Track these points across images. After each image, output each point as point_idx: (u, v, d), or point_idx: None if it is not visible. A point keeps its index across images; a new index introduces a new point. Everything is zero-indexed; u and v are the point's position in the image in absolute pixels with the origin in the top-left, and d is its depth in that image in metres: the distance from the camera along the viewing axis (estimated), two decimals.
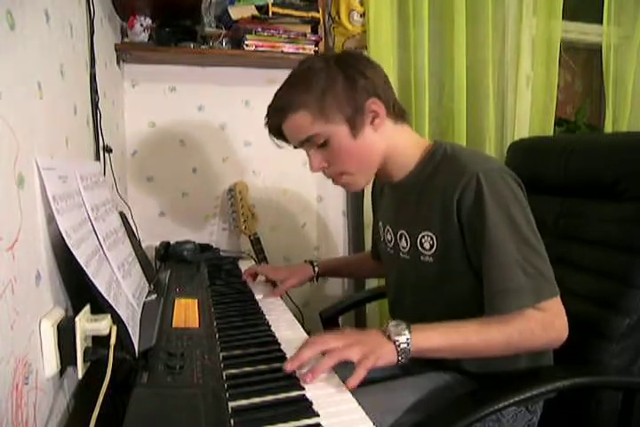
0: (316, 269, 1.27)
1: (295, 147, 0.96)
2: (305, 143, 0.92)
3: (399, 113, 0.94)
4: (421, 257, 0.93)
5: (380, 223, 1.10)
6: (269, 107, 0.95)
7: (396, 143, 0.94)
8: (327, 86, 0.86)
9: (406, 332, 0.77)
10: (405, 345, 0.76)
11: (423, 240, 0.92)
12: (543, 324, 0.81)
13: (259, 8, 1.61)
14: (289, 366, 0.73)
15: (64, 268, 0.71)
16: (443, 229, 0.88)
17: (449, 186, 0.86)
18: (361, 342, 0.76)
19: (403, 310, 1.06)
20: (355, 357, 0.73)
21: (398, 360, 0.76)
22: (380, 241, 1.12)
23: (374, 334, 0.79)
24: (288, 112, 0.89)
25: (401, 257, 0.99)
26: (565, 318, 0.82)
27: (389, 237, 1.04)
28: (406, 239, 0.97)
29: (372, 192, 1.23)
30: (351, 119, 0.88)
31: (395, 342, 0.76)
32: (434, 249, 0.91)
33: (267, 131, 0.98)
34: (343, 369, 0.74)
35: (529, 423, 0.94)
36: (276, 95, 0.94)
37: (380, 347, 0.76)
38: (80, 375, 0.65)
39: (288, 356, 0.79)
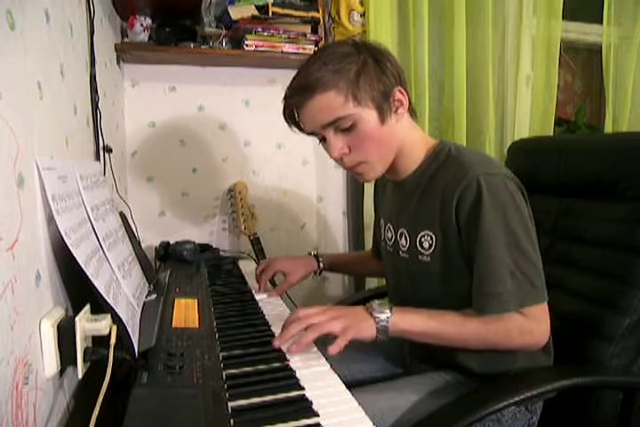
0: (321, 264, 1.25)
1: (309, 133, 0.92)
2: (327, 127, 0.87)
3: (413, 109, 0.95)
4: (420, 256, 0.93)
5: (382, 221, 1.10)
6: (291, 86, 0.90)
7: (409, 138, 0.94)
8: (360, 69, 0.85)
9: (387, 311, 0.81)
10: (385, 323, 0.80)
11: (422, 240, 0.93)
12: (522, 329, 0.83)
13: (259, 8, 1.61)
14: (277, 344, 0.79)
15: (64, 268, 0.71)
16: (442, 229, 0.89)
17: (449, 187, 0.86)
18: (343, 316, 0.81)
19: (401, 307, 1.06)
20: (336, 329, 0.78)
21: (377, 337, 0.80)
22: (380, 239, 1.12)
23: (357, 310, 0.84)
24: (317, 91, 0.84)
25: (400, 255, 0.99)
26: (547, 326, 0.84)
27: (390, 235, 1.04)
28: (406, 238, 0.97)
29: (375, 189, 1.23)
30: (380, 105, 0.87)
31: (375, 319, 0.81)
32: (432, 249, 0.91)
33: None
34: (341, 367, 0.75)
35: (529, 423, 0.94)
36: (300, 74, 0.89)
37: (361, 321, 0.81)
38: (80, 375, 0.65)
39: (288, 356, 0.79)
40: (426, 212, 0.92)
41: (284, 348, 0.81)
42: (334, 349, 0.76)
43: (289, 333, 0.80)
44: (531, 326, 0.83)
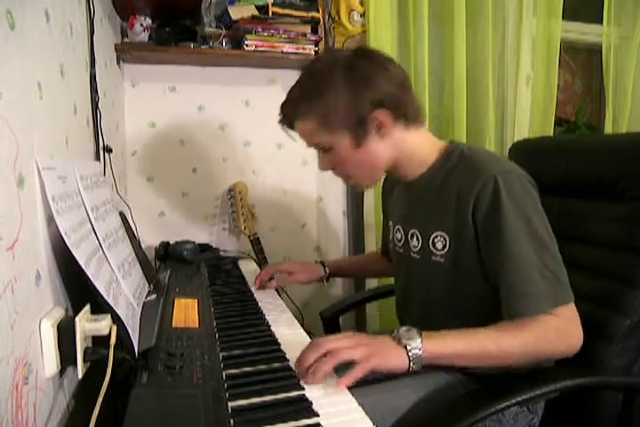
0: (327, 270, 1.28)
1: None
2: (313, 146, 0.95)
3: (414, 116, 0.92)
4: (432, 257, 0.93)
5: (390, 222, 1.10)
6: (281, 107, 0.95)
7: (407, 147, 0.93)
8: (332, 100, 0.86)
9: (418, 337, 0.74)
10: (417, 351, 0.73)
11: (436, 240, 0.92)
12: (558, 330, 0.80)
13: (259, 8, 1.61)
14: (301, 376, 0.72)
15: (64, 268, 0.71)
16: (456, 230, 0.88)
17: (465, 187, 0.86)
18: (367, 344, 0.74)
19: (410, 309, 1.05)
20: (357, 356, 0.71)
21: (411, 367, 0.74)
22: (389, 240, 1.12)
23: (384, 339, 0.77)
24: (295, 119, 0.92)
25: (411, 256, 0.99)
26: (580, 326, 0.81)
27: (399, 236, 1.04)
28: (418, 238, 0.97)
29: (383, 191, 1.23)
30: (354, 131, 0.89)
31: (405, 347, 0.73)
32: (446, 249, 0.91)
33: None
34: (341, 367, 0.74)
35: (530, 423, 0.94)
36: (287, 98, 0.94)
37: (388, 350, 0.74)
38: (80, 375, 0.65)
39: (288, 356, 0.79)
40: (439, 212, 0.91)
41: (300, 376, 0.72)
42: (346, 381, 0.69)
43: (306, 361, 0.71)
44: (566, 327, 0.80)
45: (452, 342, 0.77)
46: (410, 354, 0.73)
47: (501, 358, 0.80)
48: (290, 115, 0.93)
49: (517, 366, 0.83)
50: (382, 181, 1.23)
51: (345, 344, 0.73)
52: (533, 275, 0.80)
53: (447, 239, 0.90)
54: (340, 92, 0.86)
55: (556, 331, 0.80)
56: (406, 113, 0.90)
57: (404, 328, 0.77)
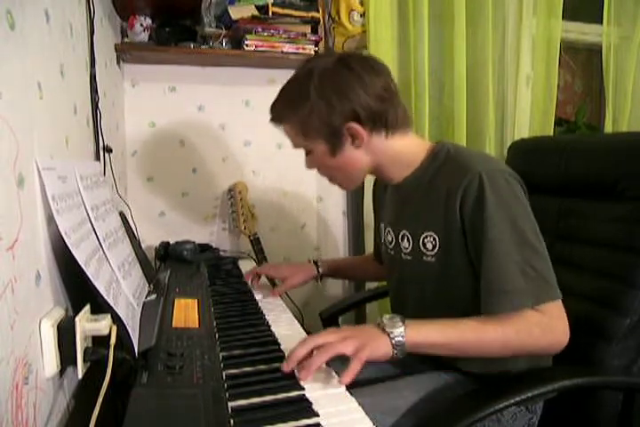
0: (320, 269, 1.27)
1: None
2: (296, 147, 0.99)
3: (396, 123, 0.91)
4: (424, 257, 0.93)
5: (382, 224, 1.10)
6: (270, 106, 0.98)
7: (390, 152, 0.94)
8: (306, 111, 0.89)
9: (401, 325, 0.77)
10: (400, 338, 0.76)
11: (425, 240, 0.92)
12: (542, 326, 0.80)
13: (259, 8, 1.61)
14: (286, 367, 0.73)
15: (64, 268, 0.71)
16: (445, 229, 0.88)
17: (451, 186, 0.86)
18: (354, 335, 0.76)
19: (404, 310, 1.05)
20: (348, 350, 0.73)
21: (394, 354, 0.76)
22: (380, 242, 1.12)
23: (368, 328, 0.79)
24: (279, 122, 0.97)
25: (402, 258, 0.99)
26: (566, 323, 0.81)
27: (390, 238, 1.04)
28: (408, 240, 0.97)
29: (374, 192, 1.23)
30: (328, 141, 0.91)
31: (389, 335, 0.76)
32: (436, 249, 0.91)
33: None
34: (341, 367, 0.74)
35: (529, 423, 0.94)
36: (275, 99, 0.98)
37: (374, 339, 0.76)
38: (80, 375, 0.65)
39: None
40: (429, 211, 0.92)
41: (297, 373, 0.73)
42: (348, 377, 0.70)
43: (295, 355, 0.73)
44: (550, 322, 0.80)
45: (435, 331, 0.80)
46: (393, 341, 0.75)
47: (481, 351, 0.82)
48: (275, 117, 0.97)
49: (500, 356, 0.85)
50: (373, 183, 1.23)
51: (333, 339, 0.75)
52: (513, 273, 0.80)
53: (437, 239, 0.90)
54: (314, 104, 0.88)
55: (540, 327, 0.80)
56: (386, 123, 0.90)
57: (387, 316, 0.79)
